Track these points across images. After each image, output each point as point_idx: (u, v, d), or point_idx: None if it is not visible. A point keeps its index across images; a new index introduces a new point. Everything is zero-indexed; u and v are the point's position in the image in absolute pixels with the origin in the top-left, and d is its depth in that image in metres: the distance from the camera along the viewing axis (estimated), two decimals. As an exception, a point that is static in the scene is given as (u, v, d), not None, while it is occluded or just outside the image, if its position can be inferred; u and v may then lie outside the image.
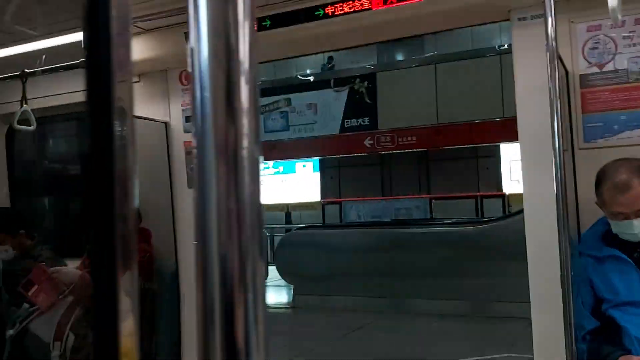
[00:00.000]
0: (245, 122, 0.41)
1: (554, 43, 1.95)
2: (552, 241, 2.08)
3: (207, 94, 0.40)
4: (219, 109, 0.40)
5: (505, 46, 13.17)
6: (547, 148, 2.03)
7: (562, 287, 1.98)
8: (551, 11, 1.94)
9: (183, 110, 3.35)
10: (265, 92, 14.62)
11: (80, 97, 3.02)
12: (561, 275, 1.99)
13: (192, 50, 0.41)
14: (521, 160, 2.61)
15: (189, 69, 0.42)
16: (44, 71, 3.23)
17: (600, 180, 2.19)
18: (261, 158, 0.42)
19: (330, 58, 17.30)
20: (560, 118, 1.97)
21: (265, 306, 0.41)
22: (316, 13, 2.80)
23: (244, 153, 0.40)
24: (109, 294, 0.41)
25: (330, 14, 2.74)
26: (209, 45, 0.41)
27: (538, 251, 2.51)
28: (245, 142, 0.41)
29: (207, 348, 0.39)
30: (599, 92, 2.43)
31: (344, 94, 14.78)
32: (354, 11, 2.68)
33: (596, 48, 2.43)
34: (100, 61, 0.41)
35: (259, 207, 0.41)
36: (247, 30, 0.41)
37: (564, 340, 2.00)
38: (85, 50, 0.42)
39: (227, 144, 0.40)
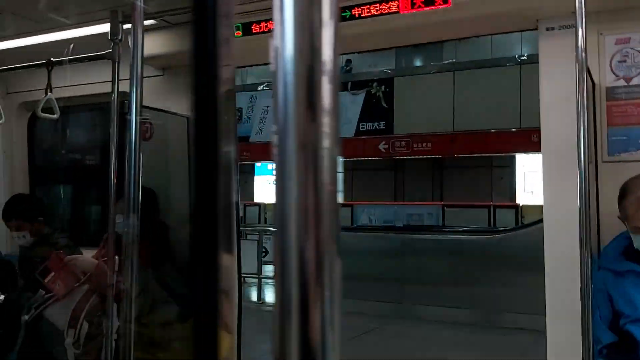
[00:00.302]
0: (326, 122, 0.41)
1: (583, 54, 1.94)
2: (572, 253, 2.06)
3: (291, 93, 0.41)
4: (301, 108, 0.41)
5: (525, 56, 13.10)
6: (570, 160, 2.01)
7: (581, 301, 1.96)
8: (582, 22, 1.93)
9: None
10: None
11: (104, 87, 3.05)
12: (581, 289, 1.97)
13: (276, 49, 0.41)
14: (543, 170, 2.59)
15: (272, 68, 0.42)
16: (70, 60, 3.25)
17: (624, 194, 2.17)
18: (340, 158, 0.42)
19: (348, 61, 17.29)
20: (586, 130, 1.95)
21: (341, 304, 0.42)
22: (343, 14, 2.80)
23: (324, 153, 0.41)
24: (210, 278, 0.42)
25: (357, 15, 2.75)
26: (294, 45, 0.41)
27: (557, 263, 2.50)
28: (326, 142, 0.41)
29: (283, 343, 0.40)
30: (625, 106, 2.42)
31: (360, 97, 14.78)
32: (381, 14, 2.69)
33: (624, 61, 2.41)
34: (206, 42, 0.42)
35: (336, 206, 0.42)
36: (331, 31, 0.41)
37: (579, 354, 1.98)
38: (191, 35, 0.42)
39: (308, 143, 0.41)
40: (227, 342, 0.43)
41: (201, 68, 0.43)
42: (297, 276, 0.40)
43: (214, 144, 0.43)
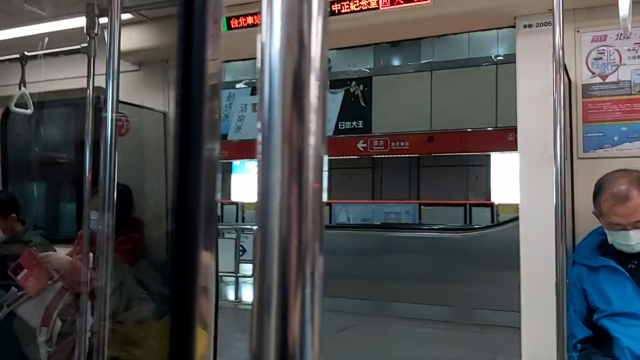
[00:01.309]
0: (312, 119, 0.40)
1: (560, 52, 1.95)
2: (547, 249, 2.08)
3: (277, 90, 0.40)
4: (287, 105, 0.40)
5: (502, 56, 13.25)
6: (547, 156, 2.03)
7: (556, 296, 1.98)
8: (559, 20, 1.95)
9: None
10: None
11: (78, 82, 3.00)
12: (556, 284, 1.99)
13: (263, 44, 0.40)
14: (519, 167, 2.61)
15: (258, 64, 0.41)
16: (45, 55, 3.20)
17: (598, 190, 2.20)
18: (326, 157, 0.42)
19: (327, 59, 17.30)
20: (563, 127, 1.97)
21: (322, 303, 0.41)
22: (322, 10, 2.79)
23: (310, 150, 0.40)
24: (189, 275, 0.41)
25: (336, 11, 2.74)
26: (282, 41, 0.40)
27: (532, 259, 2.52)
28: (311, 140, 0.40)
29: (261, 340, 0.39)
30: (601, 103, 2.45)
31: (339, 96, 14.81)
32: (361, 10, 2.68)
33: (600, 59, 2.44)
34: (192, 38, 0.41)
35: (321, 204, 0.41)
36: (320, 26, 0.41)
37: (554, 349, 2.00)
38: (180, 29, 0.41)
39: (293, 140, 0.40)
40: (204, 340, 0.43)
41: (187, 62, 0.42)
42: (278, 274, 0.40)
43: (198, 141, 0.42)
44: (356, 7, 2.69)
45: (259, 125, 0.41)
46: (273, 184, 0.40)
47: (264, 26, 0.40)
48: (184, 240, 0.42)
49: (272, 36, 0.40)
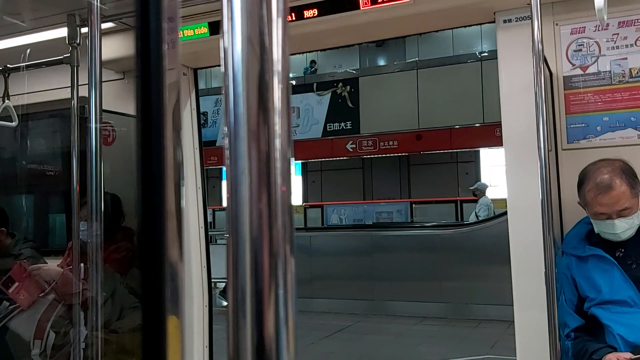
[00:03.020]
0: (277, 122, 0.41)
1: (540, 45, 1.98)
2: (536, 241, 2.10)
3: (241, 93, 0.40)
4: (252, 109, 0.40)
5: (486, 52, 13.32)
6: (531, 149, 2.05)
7: (546, 286, 2.00)
8: (537, 13, 1.97)
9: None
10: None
11: (62, 93, 2.99)
12: (545, 274, 2.01)
13: (225, 49, 0.41)
14: (505, 160, 2.63)
15: (222, 69, 0.41)
16: (28, 66, 3.18)
17: (582, 180, 2.22)
18: (292, 159, 0.42)
19: (313, 62, 17.33)
20: (545, 119, 1.99)
21: (296, 303, 0.41)
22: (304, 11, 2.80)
23: (277, 154, 0.41)
24: (157, 286, 0.41)
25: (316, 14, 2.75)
26: (243, 45, 0.40)
27: (522, 251, 2.54)
28: (277, 143, 0.41)
29: (237, 343, 0.40)
30: (582, 94, 2.47)
31: (326, 97, 14.83)
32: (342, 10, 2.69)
33: (580, 50, 2.47)
34: (149, 47, 0.41)
35: (290, 206, 0.41)
36: (280, 30, 0.41)
37: (547, 338, 2.02)
38: (136, 40, 0.41)
39: (260, 144, 0.40)
40: (175, 346, 0.43)
41: (145, 72, 0.42)
42: (251, 277, 0.40)
43: (161, 148, 0.42)
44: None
45: (225, 130, 0.41)
46: (242, 189, 0.40)
47: (225, 29, 0.41)
48: (151, 244, 0.42)
49: (233, 39, 0.40)
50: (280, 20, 0.41)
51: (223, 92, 0.42)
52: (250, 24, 0.40)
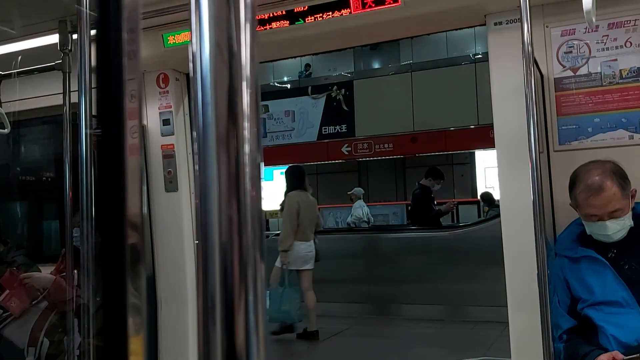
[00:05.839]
0: (247, 127, 0.41)
1: (530, 47, 1.98)
2: (529, 242, 2.10)
3: (209, 98, 0.40)
4: (221, 114, 0.40)
5: (480, 55, 13.35)
6: (523, 151, 2.06)
7: (539, 288, 2.00)
8: (527, 16, 1.97)
9: (160, 113, 3.32)
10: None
11: (54, 100, 2.99)
12: (538, 276, 2.01)
13: (194, 54, 0.41)
14: (497, 162, 2.63)
15: (191, 74, 0.41)
16: (19, 73, 3.18)
17: (573, 182, 2.22)
18: (262, 164, 0.42)
19: (308, 65, 17.35)
20: (536, 121, 2.00)
21: (266, 308, 0.41)
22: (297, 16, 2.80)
23: (246, 159, 0.40)
24: (118, 297, 0.41)
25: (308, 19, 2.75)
26: (211, 50, 0.40)
27: (515, 253, 2.54)
28: (247, 148, 0.41)
29: (208, 348, 0.39)
30: (573, 95, 2.48)
31: (321, 101, 14.84)
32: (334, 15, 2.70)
33: (570, 52, 2.48)
34: (110, 59, 0.41)
35: (259, 211, 0.41)
36: (248, 35, 0.41)
37: (541, 340, 2.02)
38: (98, 50, 0.41)
39: (229, 149, 0.40)
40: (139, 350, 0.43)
41: (105, 83, 0.42)
42: (220, 283, 0.40)
43: (119, 154, 0.42)
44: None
45: (194, 135, 0.41)
46: (212, 195, 0.40)
47: (193, 35, 0.41)
48: (111, 251, 0.42)
49: (202, 44, 0.40)
50: (248, 25, 0.41)
51: (192, 97, 0.42)
52: (218, 29, 0.40)
